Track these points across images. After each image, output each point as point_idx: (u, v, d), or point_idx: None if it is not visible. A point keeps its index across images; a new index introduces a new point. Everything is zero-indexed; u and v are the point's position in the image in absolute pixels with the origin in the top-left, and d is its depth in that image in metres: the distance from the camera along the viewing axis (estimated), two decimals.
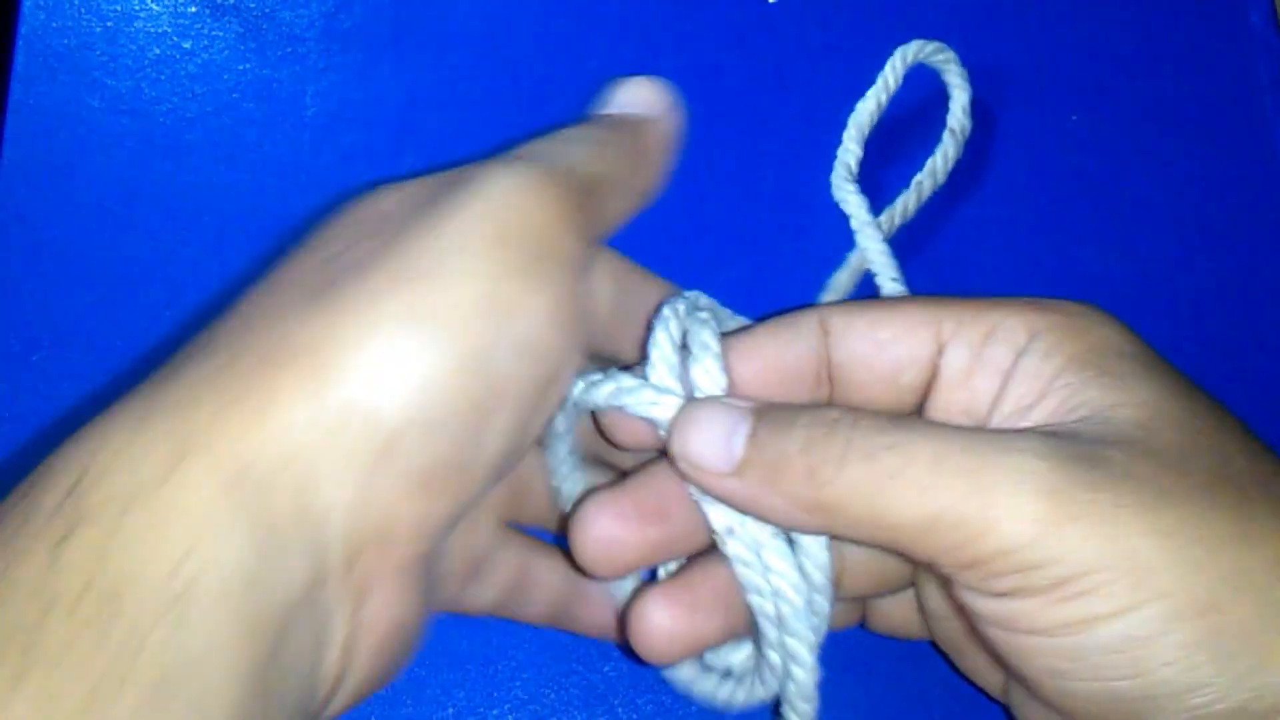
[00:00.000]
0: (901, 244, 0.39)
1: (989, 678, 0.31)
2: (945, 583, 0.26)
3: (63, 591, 0.20)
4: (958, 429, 0.26)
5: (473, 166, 0.26)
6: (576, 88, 0.41)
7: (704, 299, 0.31)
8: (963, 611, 0.27)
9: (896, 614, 0.33)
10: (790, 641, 0.28)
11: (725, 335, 0.30)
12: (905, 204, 0.39)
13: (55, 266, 0.38)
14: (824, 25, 0.42)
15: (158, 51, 0.41)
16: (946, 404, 0.28)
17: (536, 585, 0.33)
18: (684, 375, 0.29)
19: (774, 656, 0.29)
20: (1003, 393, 0.27)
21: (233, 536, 0.21)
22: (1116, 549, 0.23)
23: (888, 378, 0.29)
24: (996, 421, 0.27)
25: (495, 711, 0.35)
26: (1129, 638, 0.23)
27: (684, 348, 0.29)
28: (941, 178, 0.39)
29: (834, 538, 0.28)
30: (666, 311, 0.30)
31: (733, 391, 0.29)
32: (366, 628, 0.24)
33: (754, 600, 0.29)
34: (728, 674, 0.32)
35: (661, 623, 0.29)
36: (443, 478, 0.24)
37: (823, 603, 0.29)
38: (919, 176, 0.39)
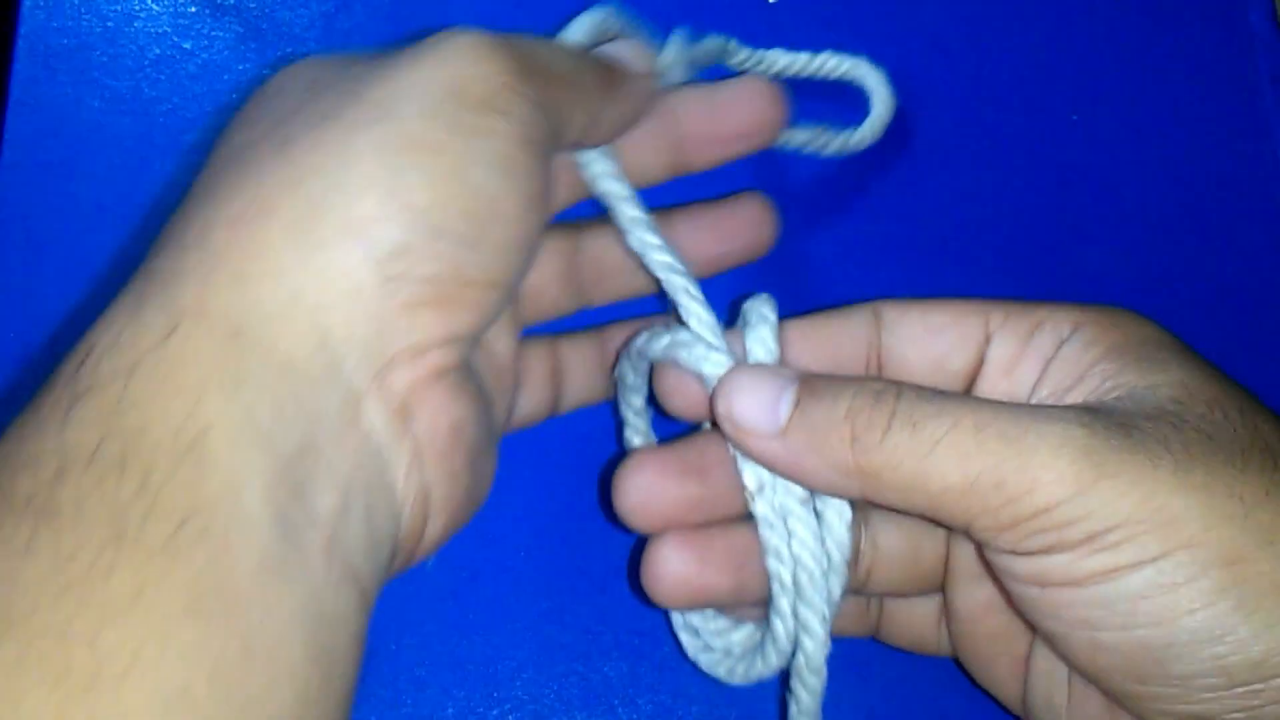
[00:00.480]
0: (902, 243, 0.39)
1: (1009, 688, 0.31)
2: (979, 547, 0.27)
3: (74, 453, 0.21)
4: (1000, 403, 0.27)
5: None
6: None
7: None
8: (995, 578, 0.28)
9: (917, 623, 0.33)
10: (804, 610, 0.29)
11: (785, 317, 0.31)
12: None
13: (55, 266, 0.38)
14: (824, 25, 0.42)
15: (158, 51, 0.41)
16: (990, 392, 0.30)
17: (570, 369, 0.34)
18: (739, 343, 0.30)
19: (780, 628, 0.30)
20: (1042, 378, 0.29)
21: (242, 384, 0.22)
22: (1148, 504, 0.24)
23: (937, 362, 0.30)
24: (1035, 401, 0.28)
25: (495, 711, 0.35)
26: (1156, 584, 0.24)
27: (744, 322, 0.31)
28: (839, 150, 0.39)
29: (870, 505, 0.29)
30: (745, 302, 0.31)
31: (784, 363, 0.30)
32: (427, 439, 0.25)
33: (772, 564, 0.30)
34: (728, 653, 0.32)
35: (673, 565, 0.30)
36: (453, 289, 0.25)
37: (837, 583, 0.29)
38: (829, 133, 0.38)
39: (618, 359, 0.33)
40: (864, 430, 0.26)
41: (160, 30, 0.41)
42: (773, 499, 0.29)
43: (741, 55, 0.39)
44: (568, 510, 0.36)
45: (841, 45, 0.41)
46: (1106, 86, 0.41)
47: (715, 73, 0.39)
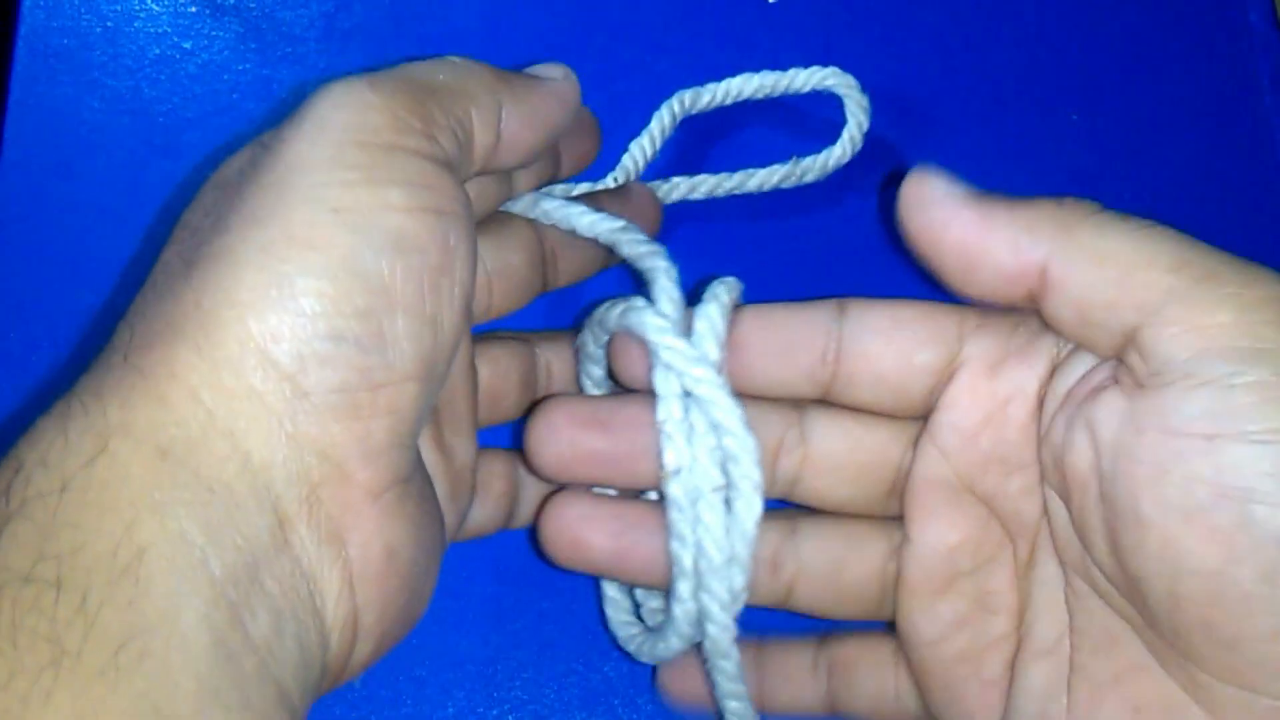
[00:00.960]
0: (898, 239, 0.39)
1: (984, 716, 0.30)
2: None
3: (8, 574, 0.20)
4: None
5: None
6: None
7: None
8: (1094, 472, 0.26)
9: (872, 675, 0.32)
10: (704, 597, 0.30)
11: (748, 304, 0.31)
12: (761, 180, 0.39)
13: (55, 266, 0.38)
14: (824, 25, 0.42)
15: (158, 51, 0.41)
16: (972, 390, 0.29)
17: (529, 481, 0.33)
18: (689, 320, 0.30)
19: (679, 612, 0.30)
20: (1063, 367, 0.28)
21: (174, 505, 0.22)
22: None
23: (903, 354, 0.29)
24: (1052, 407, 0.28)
25: (495, 711, 0.35)
26: (1258, 401, 0.23)
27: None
28: (819, 175, 0.39)
29: (797, 512, 0.30)
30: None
31: (730, 343, 0.30)
32: (360, 563, 0.24)
33: (674, 548, 0.30)
34: (639, 630, 0.33)
35: (562, 517, 0.31)
36: (365, 394, 0.24)
37: (739, 575, 0.30)
38: (805, 161, 0.38)
39: (580, 328, 0.33)
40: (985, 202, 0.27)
41: (160, 30, 0.41)
42: (688, 481, 0.29)
43: (706, 97, 0.39)
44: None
45: (841, 44, 0.41)
46: (1106, 86, 0.41)
47: (688, 123, 0.39)
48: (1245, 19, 0.42)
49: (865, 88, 0.39)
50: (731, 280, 0.31)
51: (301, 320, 0.23)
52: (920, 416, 0.30)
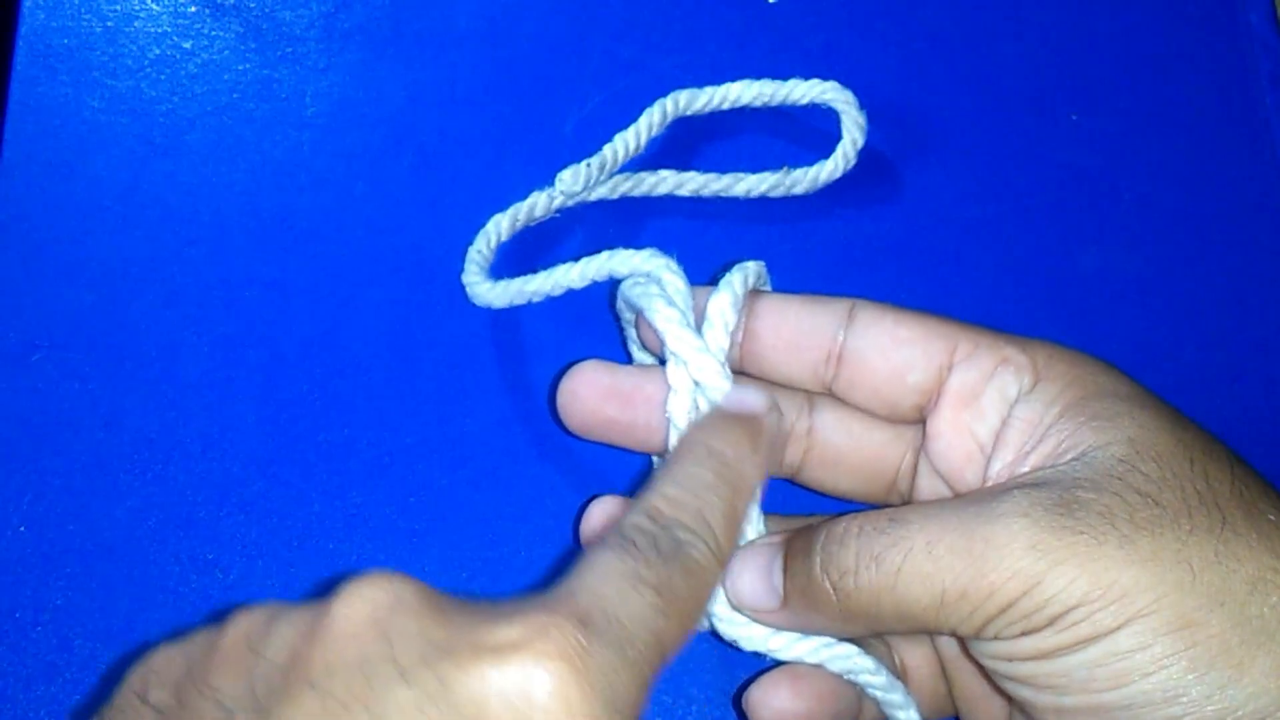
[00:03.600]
0: (902, 241, 0.39)
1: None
2: (962, 643, 0.29)
3: None
4: (944, 506, 0.28)
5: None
6: (576, 87, 0.41)
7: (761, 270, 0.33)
8: (978, 663, 0.29)
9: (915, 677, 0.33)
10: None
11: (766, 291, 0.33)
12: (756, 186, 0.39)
13: (55, 266, 0.38)
14: (824, 25, 0.42)
15: (158, 51, 0.41)
16: (953, 422, 0.30)
17: None
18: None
19: None
20: (1005, 434, 0.30)
21: None
22: (1099, 582, 0.26)
23: (896, 373, 0.31)
24: (997, 467, 0.29)
25: None
26: (1112, 654, 0.25)
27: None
28: (809, 189, 0.39)
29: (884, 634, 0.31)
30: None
31: (745, 328, 0.32)
32: None
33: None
34: None
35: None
36: None
37: (749, 529, 0.31)
38: (796, 173, 0.39)
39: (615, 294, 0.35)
40: (839, 578, 0.28)
41: (160, 30, 0.41)
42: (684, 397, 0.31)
43: (701, 100, 0.39)
44: (568, 512, 0.36)
45: (841, 45, 0.42)
46: (1106, 86, 0.41)
47: (684, 122, 0.39)
48: (1245, 19, 0.42)
49: (864, 86, 0.39)
50: (752, 265, 0.32)
51: None
52: (917, 423, 0.32)
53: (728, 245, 0.39)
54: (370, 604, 0.23)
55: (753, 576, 0.30)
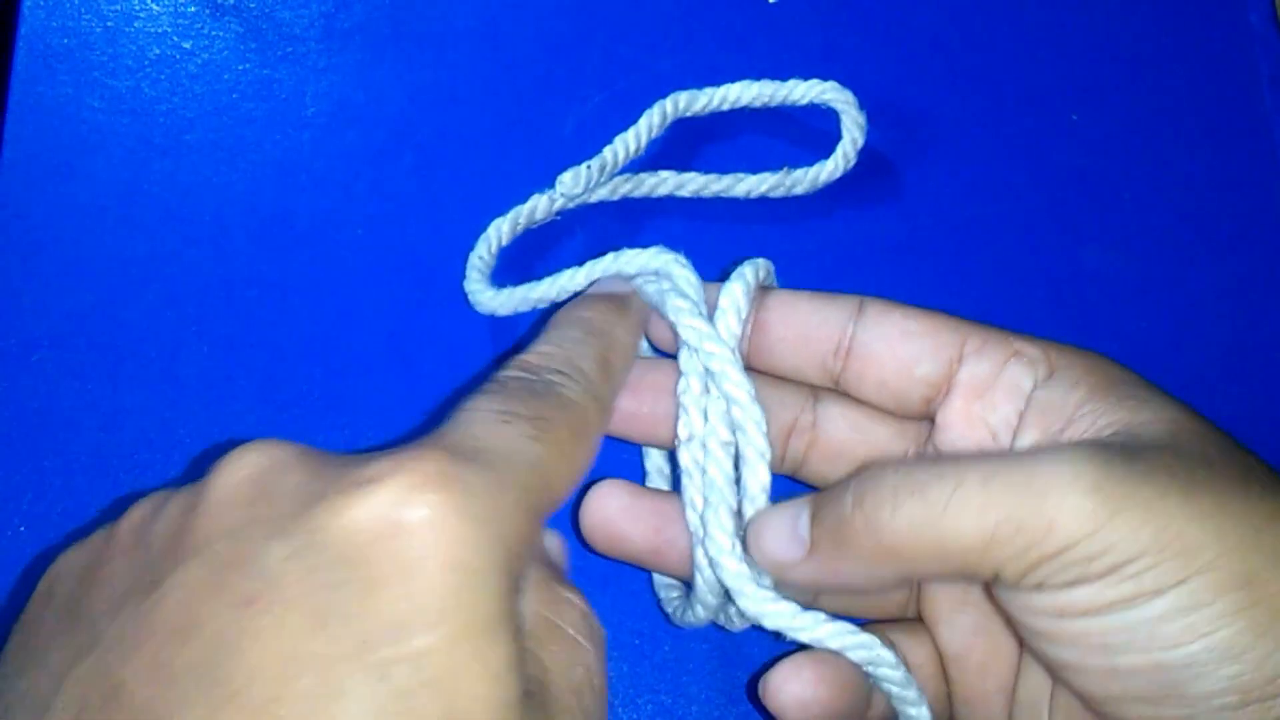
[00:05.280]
0: (903, 241, 0.39)
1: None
2: (988, 588, 0.28)
3: None
4: (998, 453, 0.27)
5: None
6: (576, 87, 0.41)
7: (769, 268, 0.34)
8: (1006, 614, 0.28)
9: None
10: (714, 552, 0.30)
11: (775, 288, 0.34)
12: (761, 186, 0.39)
13: (55, 266, 0.38)
14: (824, 25, 0.42)
15: (158, 51, 0.41)
16: (965, 413, 0.30)
17: None
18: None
19: (700, 581, 0.31)
20: (1026, 420, 0.29)
21: None
22: (1163, 533, 0.25)
23: (904, 366, 0.31)
24: (1027, 444, 0.29)
25: None
26: (1176, 609, 0.25)
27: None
28: (809, 189, 0.39)
29: (916, 580, 0.30)
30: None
31: (754, 322, 0.32)
32: None
33: (689, 516, 0.31)
34: (676, 597, 0.34)
35: (603, 510, 0.32)
36: None
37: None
38: (796, 173, 0.38)
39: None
40: (874, 510, 0.27)
41: (160, 30, 0.41)
42: (697, 450, 0.31)
43: (701, 101, 0.39)
44: (567, 512, 0.36)
45: (841, 45, 0.41)
46: (1106, 86, 0.41)
47: (684, 123, 0.39)
48: (1245, 19, 0.42)
49: (865, 85, 0.39)
50: (762, 261, 0.33)
51: None
52: (923, 418, 0.32)
53: (729, 246, 0.39)
54: (247, 468, 0.24)
55: (777, 526, 0.29)
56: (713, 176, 0.38)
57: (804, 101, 0.39)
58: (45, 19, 0.41)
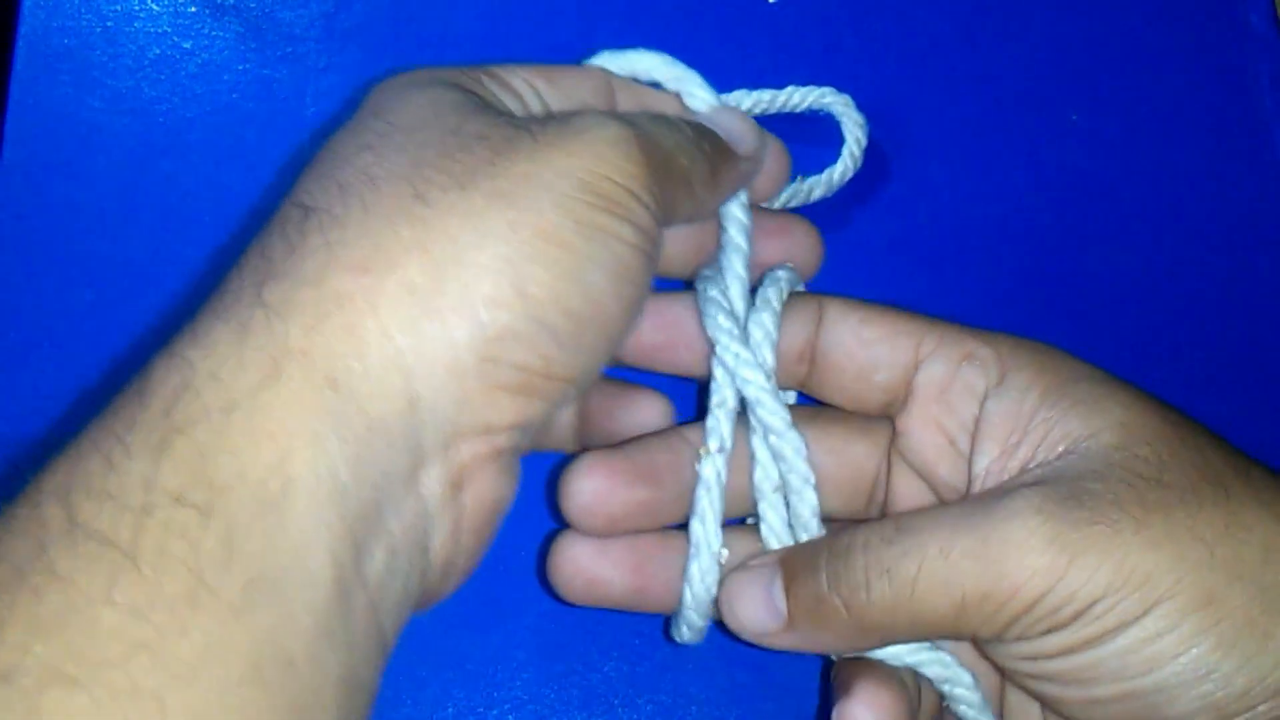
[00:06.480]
0: (903, 240, 0.39)
1: None
2: (982, 646, 0.29)
3: (160, 494, 0.21)
4: (950, 511, 0.28)
5: (570, 112, 0.28)
6: None
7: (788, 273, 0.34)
8: (1001, 669, 0.29)
9: None
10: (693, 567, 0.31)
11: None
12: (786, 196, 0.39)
13: (55, 266, 0.38)
14: (824, 25, 0.42)
15: (158, 51, 0.41)
16: (923, 417, 0.31)
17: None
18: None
19: (690, 596, 0.31)
20: (982, 429, 0.30)
21: (330, 439, 0.22)
22: (1120, 569, 0.26)
23: (864, 372, 0.31)
24: (984, 463, 0.29)
25: (495, 711, 0.35)
26: (1143, 639, 0.26)
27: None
28: (826, 192, 0.39)
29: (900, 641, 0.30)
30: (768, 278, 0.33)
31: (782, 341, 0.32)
32: (471, 513, 0.26)
33: (694, 526, 0.31)
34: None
35: (575, 557, 0.31)
36: (540, 379, 0.25)
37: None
38: (811, 180, 0.38)
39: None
40: (850, 594, 0.28)
41: (160, 30, 0.41)
42: (721, 465, 0.31)
43: (704, 98, 0.39)
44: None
45: (842, 45, 0.41)
46: (1106, 86, 0.41)
47: None
48: (1245, 19, 0.42)
49: (865, 85, 0.39)
50: (783, 275, 0.33)
51: (525, 301, 0.24)
52: (887, 417, 0.32)
53: None
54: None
55: (752, 598, 0.30)
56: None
57: (802, 108, 0.39)
58: (45, 19, 0.41)
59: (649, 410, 0.32)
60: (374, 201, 0.25)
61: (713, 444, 0.31)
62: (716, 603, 0.31)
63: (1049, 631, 0.26)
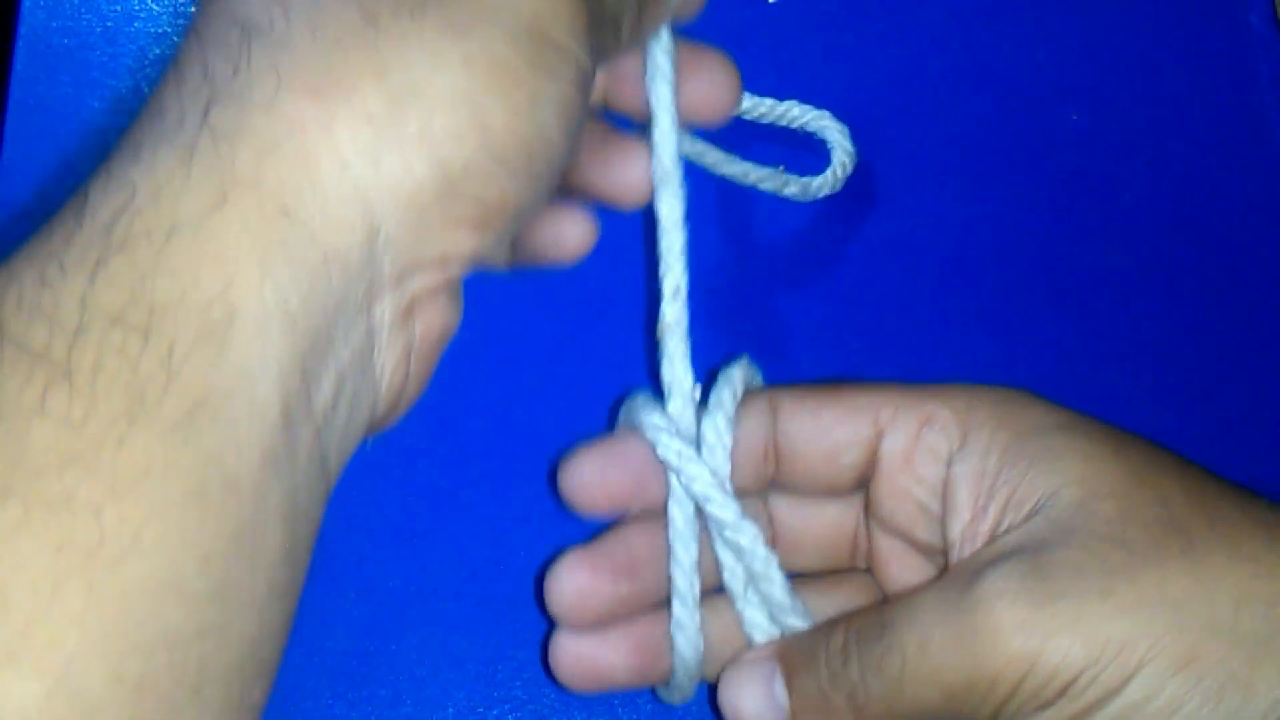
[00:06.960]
0: (903, 240, 0.39)
1: None
2: None
3: (97, 312, 0.20)
4: (926, 599, 0.28)
5: None
6: None
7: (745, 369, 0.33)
8: None
9: None
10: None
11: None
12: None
13: None
14: (824, 25, 0.42)
15: (158, 51, 0.41)
16: (891, 487, 0.31)
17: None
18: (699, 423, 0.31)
19: (682, 641, 0.31)
20: (951, 496, 0.30)
21: (279, 267, 0.22)
22: (1094, 642, 0.26)
23: (830, 457, 0.32)
24: (958, 528, 0.30)
25: (495, 711, 0.35)
26: (1129, 707, 0.26)
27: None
28: (800, 196, 0.39)
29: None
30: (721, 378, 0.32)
31: (737, 444, 0.31)
32: (421, 340, 0.25)
33: (674, 573, 0.31)
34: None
35: (575, 649, 0.31)
36: (494, 213, 0.25)
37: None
38: (790, 176, 0.38)
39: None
40: (850, 691, 0.29)
41: (160, 30, 0.41)
42: (687, 509, 0.31)
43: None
44: (567, 512, 0.36)
45: (841, 45, 0.42)
46: (1106, 86, 0.41)
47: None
48: (1245, 19, 0.42)
49: (865, 84, 0.39)
50: (737, 372, 0.32)
51: (484, 134, 0.24)
52: (862, 489, 0.32)
53: (728, 244, 0.39)
54: None
55: (753, 695, 0.30)
56: (709, 146, 0.38)
57: (797, 125, 0.39)
58: (45, 19, 0.41)
59: (574, 229, 0.32)
60: (321, 21, 0.24)
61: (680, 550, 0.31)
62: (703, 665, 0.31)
63: (1042, 708, 0.27)
